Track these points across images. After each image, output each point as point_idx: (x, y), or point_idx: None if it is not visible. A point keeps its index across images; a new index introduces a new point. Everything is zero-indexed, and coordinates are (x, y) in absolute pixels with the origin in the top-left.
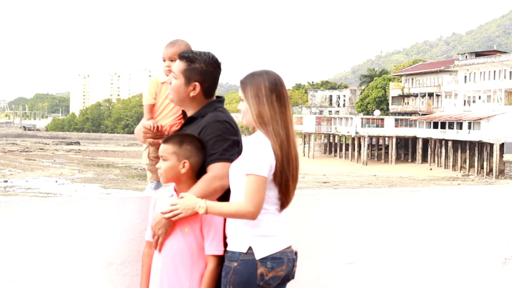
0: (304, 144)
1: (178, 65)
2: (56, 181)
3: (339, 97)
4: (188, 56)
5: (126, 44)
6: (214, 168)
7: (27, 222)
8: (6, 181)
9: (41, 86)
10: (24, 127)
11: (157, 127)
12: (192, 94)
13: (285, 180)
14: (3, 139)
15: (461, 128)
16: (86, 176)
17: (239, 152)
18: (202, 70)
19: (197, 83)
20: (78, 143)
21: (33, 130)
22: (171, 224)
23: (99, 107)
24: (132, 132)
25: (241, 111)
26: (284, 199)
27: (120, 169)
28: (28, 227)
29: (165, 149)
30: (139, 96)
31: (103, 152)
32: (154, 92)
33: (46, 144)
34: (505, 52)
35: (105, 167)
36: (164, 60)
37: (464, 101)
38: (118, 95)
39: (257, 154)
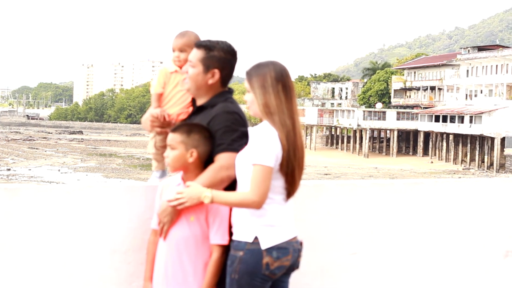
0: (306, 136)
1: (196, 54)
2: (59, 170)
3: (341, 90)
4: (206, 45)
5: (130, 34)
6: (222, 158)
7: (32, 209)
8: (9, 170)
9: (45, 75)
10: (27, 116)
11: (165, 116)
12: (210, 81)
13: (291, 169)
14: (6, 127)
15: (462, 122)
16: (88, 165)
17: (246, 143)
18: (221, 57)
19: (216, 70)
20: (81, 132)
21: (36, 119)
22: (176, 213)
23: (102, 97)
24: (135, 122)
25: (247, 102)
26: (290, 189)
27: (122, 158)
28: (33, 215)
29: (173, 138)
30: (142, 86)
31: (105, 142)
32: (163, 82)
33: (49, 133)
34: (507, 47)
35: (107, 157)
36: (173, 51)
37: (466, 95)
38: (122, 85)
39: (264, 144)
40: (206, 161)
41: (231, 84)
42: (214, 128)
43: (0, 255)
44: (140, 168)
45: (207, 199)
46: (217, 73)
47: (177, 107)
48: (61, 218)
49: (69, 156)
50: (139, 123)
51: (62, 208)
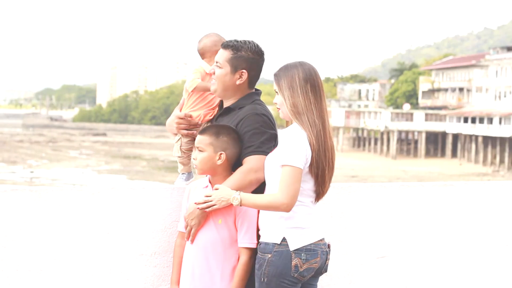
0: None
1: (223, 54)
2: (83, 172)
3: (368, 91)
4: (233, 45)
5: (154, 35)
6: (250, 161)
7: (57, 212)
8: (32, 172)
9: (68, 77)
10: (50, 118)
11: (191, 115)
12: (238, 82)
13: (321, 170)
14: (29, 129)
15: (491, 123)
16: (112, 167)
17: (275, 146)
18: (249, 58)
19: (244, 71)
20: (105, 134)
21: (60, 121)
22: (204, 215)
23: (126, 99)
24: (159, 124)
25: (277, 105)
26: (320, 190)
27: (147, 161)
28: (58, 217)
29: (202, 140)
30: (166, 87)
31: (130, 144)
32: (200, 77)
33: (72, 135)
34: None
35: (131, 159)
36: (203, 54)
37: (495, 95)
38: (145, 86)
39: (293, 145)
40: (234, 163)
41: (256, 86)
42: (243, 131)
43: (26, 258)
44: (165, 171)
45: (236, 201)
46: (245, 73)
47: (204, 108)
48: (86, 220)
49: (93, 158)
50: (164, 124)
51: (87, 211)
